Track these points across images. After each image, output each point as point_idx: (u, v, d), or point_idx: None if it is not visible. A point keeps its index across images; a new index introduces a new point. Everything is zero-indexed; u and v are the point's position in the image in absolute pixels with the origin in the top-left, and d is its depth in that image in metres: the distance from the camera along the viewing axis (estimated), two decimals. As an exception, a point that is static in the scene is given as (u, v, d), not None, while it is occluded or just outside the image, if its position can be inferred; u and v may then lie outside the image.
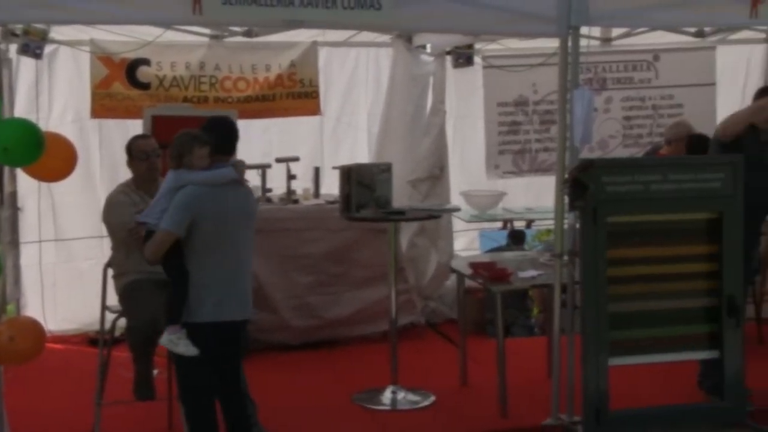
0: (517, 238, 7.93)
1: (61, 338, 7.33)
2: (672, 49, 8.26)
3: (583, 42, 5.47)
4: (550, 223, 6.04)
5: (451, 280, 7.47)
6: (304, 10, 4.82)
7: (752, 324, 7.03)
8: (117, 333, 5.48)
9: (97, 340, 6.13)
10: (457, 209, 7.34)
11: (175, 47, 7.37)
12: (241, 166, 4.97)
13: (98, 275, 5.70)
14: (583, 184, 5.14)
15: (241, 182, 4.91)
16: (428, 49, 7.80)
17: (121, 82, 7.35)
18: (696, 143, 6.33)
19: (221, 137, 4.86)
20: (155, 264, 4.80)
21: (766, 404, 5.88)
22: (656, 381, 6.09)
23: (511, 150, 8.28)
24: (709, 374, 5.80)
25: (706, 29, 7.90)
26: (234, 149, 4.97)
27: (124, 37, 7.09)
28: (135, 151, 5.58)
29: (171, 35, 6.98)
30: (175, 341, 4.68)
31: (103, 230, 5.87)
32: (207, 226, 4.67)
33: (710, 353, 5.47)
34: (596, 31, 7.82)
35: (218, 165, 4.78)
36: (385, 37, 7.78)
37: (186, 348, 4.67)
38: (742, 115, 5.79)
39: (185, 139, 4.75)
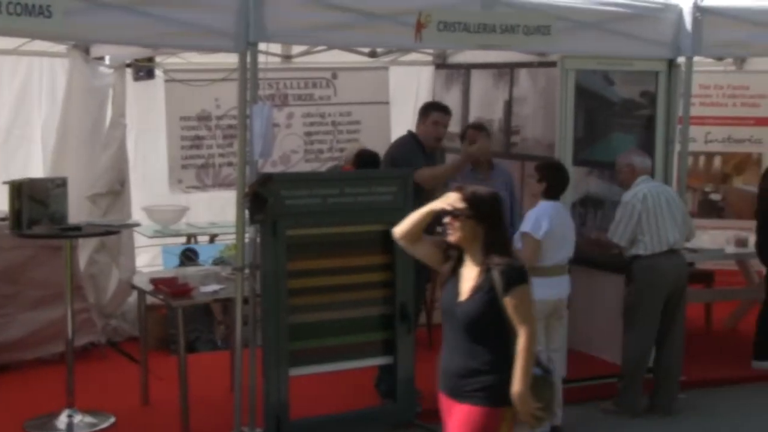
0: (188, 258, 7.89)
1: None
2: (348, 68, 8.61)
3: (263, 58, 5.56)
4: (233, 238, 6.07)
5: (134, 297, 7.29)
6: (-39, 13, 4.50)
7: (423, 330, 7.45)
8: None
9: None
10: (137, 224, 7.19)
11: None
12: None
13: None
14: (263, 197, 5.22)
15: None
16: (107, 61, 7.55)
17: None
18: (363, 159, 6.62)
19: None
20: None
21: (434, 405, 6.26)
22: (341, 387, 6.28)
23: (194, 164, 8.23)
24: (384, 378, 6.11)
25: (379, 50, 8.32)
26: None
27: None
28: None
29: None
30: None
31: None
32: None
33: (385, 359, 5.77)
34: (277, 48, 7.97)
35: None
36: (61, 47, 7.45)
37: None
38: (442, 174, 6.52)
39: None
